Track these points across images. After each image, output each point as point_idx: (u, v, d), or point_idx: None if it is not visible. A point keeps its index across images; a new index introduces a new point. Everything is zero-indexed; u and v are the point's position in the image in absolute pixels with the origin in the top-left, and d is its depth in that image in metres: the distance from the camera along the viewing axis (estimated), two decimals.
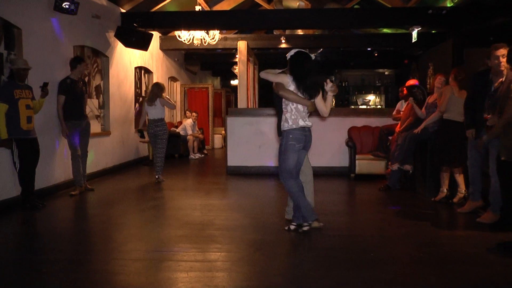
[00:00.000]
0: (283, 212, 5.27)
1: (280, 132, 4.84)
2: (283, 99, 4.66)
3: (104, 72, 9.08)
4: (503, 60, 4.82)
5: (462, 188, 6.09)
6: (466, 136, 5.47)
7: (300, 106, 4.63)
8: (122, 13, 9.30)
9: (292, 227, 4.80)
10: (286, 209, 5.24)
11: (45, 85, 6.15)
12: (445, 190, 6.24)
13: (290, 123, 4.61)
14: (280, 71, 4.85)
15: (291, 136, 4.61)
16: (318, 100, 4.73)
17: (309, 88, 4.62)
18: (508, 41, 4.96)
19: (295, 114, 4.61)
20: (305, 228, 4.74)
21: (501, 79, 4.86)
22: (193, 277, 3.53)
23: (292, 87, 4.59)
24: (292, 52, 4.76)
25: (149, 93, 8.03)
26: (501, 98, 4.68)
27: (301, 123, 4.61)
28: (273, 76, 4.73)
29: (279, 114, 4.90)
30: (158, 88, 7.81)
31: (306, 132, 4.66)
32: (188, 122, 12.45)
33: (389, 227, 5.11)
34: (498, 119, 4.71)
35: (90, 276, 3.65)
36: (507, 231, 4.74)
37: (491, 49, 4.95)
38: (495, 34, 8.10)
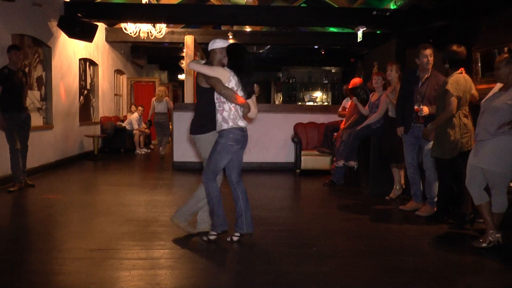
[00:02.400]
0: (228, 207, 5.22)
1: (195, 130, 4.43)
2: (216, 96, 4.21)
3: (46, 63, 8.75)
4: (431, 59, 5.36)
5: (401, 183, 6.33)
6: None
7: (238, 106, 4.24)
8: (65, 2, 8.95)
9: (235, 238, 4.35)
10: (198, 217, 4.64)
11: None
12: (397, 187, 6.35)
13: (231, 123, 4.20)
14: (204, 62, 4.39)
15: (231, 136, 4.21)
16: (250, 100, 4.34)
17: (249, 85, 4.28)
18: (445, 43, 5.24)
19: (234, 114, 4.21)
20: (212, 238, 4.36)
21: (427, 75, 5.41)
22: (135, 276, 3.49)
23: (232, 83, 4.16)
24: (221, 42, 4.29)
25: (158, 94, 11.18)
26: (428, 92, 5.33)
27: (241, 123, 4.27)
28: (207, 68, 4.16)
29: (202, 110, 4.41)
30: (165, 91, 11.20)
31: (245, 133, 4.31)
32: (134, 116, 12.27)
33: (332, 222, 5.25)
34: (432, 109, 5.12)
35: (28, 276, 3.52)
36: (441, 223, 5.03)
37: (420, 49, 5.40)
38: (434, 36, 8.47)
